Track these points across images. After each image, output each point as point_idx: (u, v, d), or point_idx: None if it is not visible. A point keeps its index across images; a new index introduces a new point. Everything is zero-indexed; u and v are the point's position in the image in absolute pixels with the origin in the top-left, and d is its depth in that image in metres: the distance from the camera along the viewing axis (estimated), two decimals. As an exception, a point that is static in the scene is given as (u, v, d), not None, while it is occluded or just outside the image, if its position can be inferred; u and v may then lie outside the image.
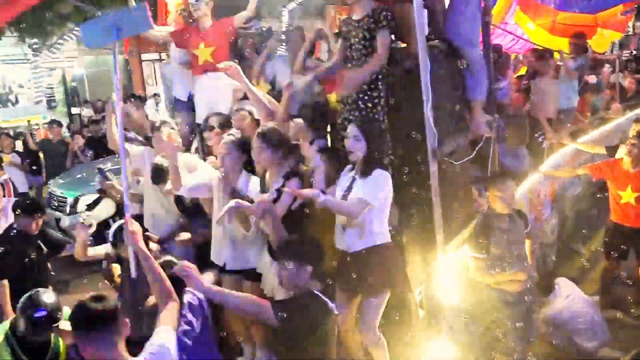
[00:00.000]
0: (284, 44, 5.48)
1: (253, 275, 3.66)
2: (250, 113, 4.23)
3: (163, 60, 5.63)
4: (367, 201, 3.13)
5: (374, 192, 3.17)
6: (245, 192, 3.56)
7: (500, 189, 3.63)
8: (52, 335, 3.03)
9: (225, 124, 4.23)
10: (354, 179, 3.30)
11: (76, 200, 6.55)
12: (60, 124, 9.92)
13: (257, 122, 4.14)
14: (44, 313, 2.87)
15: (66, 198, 6.64)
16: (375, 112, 3.73)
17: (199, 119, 4.91)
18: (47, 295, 2.98)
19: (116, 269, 4.04)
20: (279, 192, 3.36)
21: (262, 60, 5.07)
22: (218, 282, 3.71)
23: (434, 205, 3.48)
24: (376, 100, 3.72)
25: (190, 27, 5.06)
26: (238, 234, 3.63)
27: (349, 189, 3.28)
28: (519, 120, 5.20)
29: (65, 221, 6.48)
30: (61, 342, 3.08)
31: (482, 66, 4.08)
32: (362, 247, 3.24)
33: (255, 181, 3.68)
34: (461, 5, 3.90)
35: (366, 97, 3.72)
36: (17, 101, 16.86)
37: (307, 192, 3.12)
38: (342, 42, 3.89)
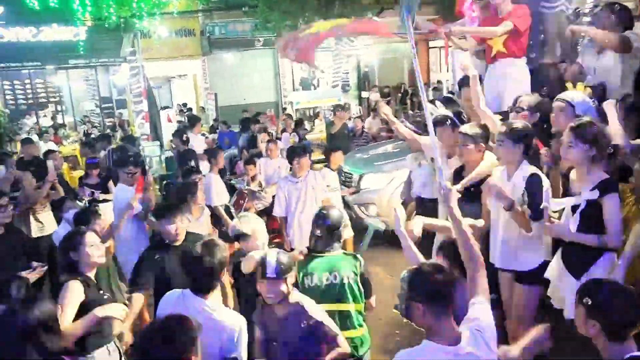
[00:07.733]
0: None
1: (525, 278, 3.42)
2: (572, 104, 3.68)
3: (450, 47, 5.59)
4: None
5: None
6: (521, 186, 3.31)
7: None
8: None
9: (536, 107, 4.01)
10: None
11: (360, 177, 7.09)
12: (343, 108, 10.54)
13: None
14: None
15: (352, 175, 7.25)
16: None
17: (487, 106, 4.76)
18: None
19: None
20: (589, 203, 3.03)
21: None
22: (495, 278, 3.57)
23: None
24: None
25: (489, 18, 4.91)
26: (512, 233, 3.39)
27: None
28: None
29: (349, 196, 7.06)
30: None
31: None
32: None
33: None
34: None
35: None
36: (318, 85, 19.16)
37: None
38: None
